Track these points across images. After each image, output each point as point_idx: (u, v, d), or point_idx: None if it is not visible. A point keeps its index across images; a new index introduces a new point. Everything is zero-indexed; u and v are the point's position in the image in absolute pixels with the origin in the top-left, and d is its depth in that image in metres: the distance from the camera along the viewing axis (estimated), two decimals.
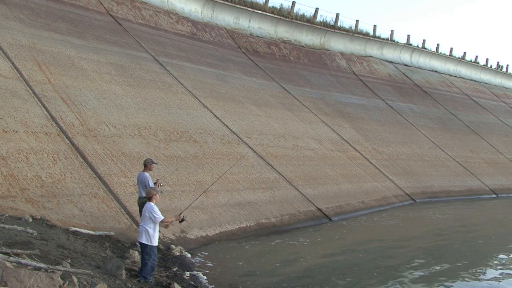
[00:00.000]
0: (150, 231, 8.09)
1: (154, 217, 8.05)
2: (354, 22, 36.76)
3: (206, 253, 11.09)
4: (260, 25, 29.90)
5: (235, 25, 28.66)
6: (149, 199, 8.29)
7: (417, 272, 11.53)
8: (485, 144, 31.17)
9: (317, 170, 18.55)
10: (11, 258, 6.13)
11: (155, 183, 10.48)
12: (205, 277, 9.51)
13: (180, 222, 8.60)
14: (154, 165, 10.72)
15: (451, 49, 44.69)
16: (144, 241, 8.11)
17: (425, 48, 41.85)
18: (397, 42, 39.19)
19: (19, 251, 6.67)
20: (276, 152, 18.13)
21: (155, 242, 8.17)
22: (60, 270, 6.29)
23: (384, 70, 35.61)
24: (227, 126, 17.93)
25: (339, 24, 34.97)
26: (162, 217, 8.12)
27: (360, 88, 30.56)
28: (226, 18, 28.39)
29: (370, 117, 26.86)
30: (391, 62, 37.79)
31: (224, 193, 14.12)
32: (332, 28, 34.03)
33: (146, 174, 10.41)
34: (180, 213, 8.53)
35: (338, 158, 20.44)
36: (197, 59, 22.56)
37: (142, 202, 10.28)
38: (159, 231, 8.60)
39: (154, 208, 8.11)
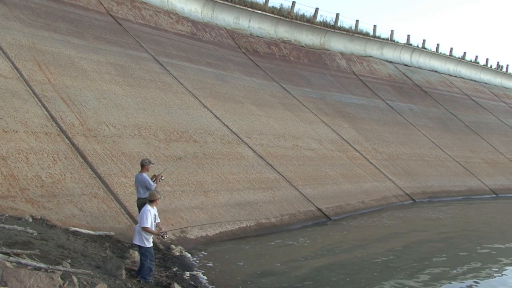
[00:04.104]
0: (143, 233, 8.09)
1: (142, 221, 8.06)
2: (354, 22, 36.81)
3: (206, 253, 11.09)
4: (260, 25, 29.90)
5: (235, 25, 28.66)
6: (151, 201, 8.27)
7: (417, 272, 11.53)
8: (485, 144, 31.17)
9: (317, 170, 18.55)
10: (11, 258, 6.13)
11: (156, 177, 10.40)
12: (205, 277, 9.52)
13: (162, 238, 8.51)
14: (151, 165, 10.65)
15: (451, 49, 44.73)
16: (137, 242, 8.15)
17: (425, 48, 41.85)
18: (397, 42, 39.19)
19: (19, 251, 6.67)
20: (276, 152, 18.13)
21: (149, 244, 8.17)
22: (60, 270, 6.29)
23: (384, 70, 35.61)
24: (227, 126, 17.94)
25: (339, 24, 34.98)
26: (148, 226, 8.07)
27: (360, 88, 30.56)
28: (226, 18, 28.39)
29: (370, 117, 26.86)
30: (391, 62, 37.79)
31: (224, 193, 14.13)
32: (332, 28, 34.03)
33: (145, 175, 10.35)
34: (164, 233, 8.41)
35: (338, 158, 20.44)
36: (197, 59, 22.56)
37: (141, 203, 10.28)
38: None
39: (147, 213, 8.10)
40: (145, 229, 8.08)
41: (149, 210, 8.15)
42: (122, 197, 11.71)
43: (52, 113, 13.13)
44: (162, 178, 10.59)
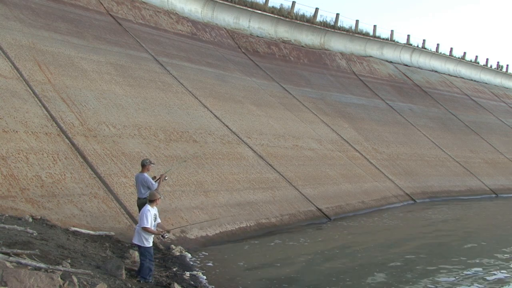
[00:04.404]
0: (143, 233, 8.09)
1: (142, 221, 8.06)
2: (354, 22, 36.82)
3: (206, 253, 11.09)
4: (260, 25, 29.90)
5: (235, 25, 28.66)
6: (151, 201, 8.26)
7: (417, 272, 11.54)
8: (485, 144, 31.17)
9: (317, 170, 18.55)
10: (11, 258, 6.13)
11: (159, 178, 10.47)
12: (205, 277, 9.52)
13: (162, 237, 8.53)
14: (152, 165, 10.74)
15: (451, 49, 44.73)
16: (136, 242, 8.15)
17: (425, 48, 41.85)
18: (397, 42, 39.19)
19: (19, 251, 6.67)
20: (276, 152, 18.13)
21: (149, 244, 8.16)
22: (60, 270, 6.29)
23: (384, 70, 35.61)
24: (227, 126, 17.94)
25: (339, 24, 34.98)
26: (148, 226, 8.06)
27: (360, 88, 30.56)
28: (226, 18, 28.39)
29: (370, 117, 26.86)
30: (391, 62, 37.79)
31: (224, 193, 14.13)
32: (332, 28, 34.03)
33: (146, 174, 10.37)
34: (164, 232, 8.42)
35: (338, 158, 20.44)
36: (197, 59, 22.56)
37: (142, 203, 10.28)
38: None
39: (147, 213, 8.09)
40: (145, 229, 8.08)
41: (149, 210, 8.14)
42: (122, 197, 11.71)
43: (52, 113, 13.14)
44: (166, 178, 10.69)
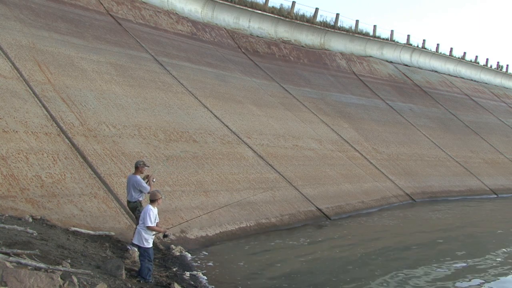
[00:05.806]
0: (143, 233, 8.09)
1: (145, 220, 8.05)
2: (354, 22, 36.83)
3: (206, 253, 11.09)
4: (260, 25, 29.90)
5: (235, 25, 28.66)
6: (152, 201, 8.26)
7: (417, 272, 11.54)
8: (485, 144, 31.17)
9: (317, 170, 18.55)
10: (11, 258, 6.13)
11: (146, 177, 10.05)
12: (205, 277, 9.52)
13: (164, 237, 8.56)
14: (146, 168, 10.13)
15: (451, 49, 44.72)
16: (136, 242, 8.16)
17: (425, 48, 41.85)
18: (397, 42, 39.19)
19: (19, 251, 6.67)
20: (276, 152, 18.13)
21: (148, 245, 8.16)
22: (60, 270, 6.29)
23: (384, 70, 35.61)
24: (227, 126, 17.94)
25: (339, 24, 34.98)
26: (151, 224, 8.07)
27: (360, 88, 30.56)
28: (226, 18, 28.39)
29: (370, 117, 26.85)
30: (391, 62, 37.79)
31: (224, 193, 14.13)
32: (332, 28, 34.04)
33: (138, 177, 9.88)
34: (167, 228, 8.44)
35: (338, 158, 20.43)
36: (197, 59, 22.56)
37: (133, 207, 9.96)
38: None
39: (150, 212, 8.09)
40: (149, 228, 8.09)
41: (151, 209, 8.15)
42: (122, 197, 11.70)
43: (52, 113, 13.14)
44: (154, 180, 10.12)
